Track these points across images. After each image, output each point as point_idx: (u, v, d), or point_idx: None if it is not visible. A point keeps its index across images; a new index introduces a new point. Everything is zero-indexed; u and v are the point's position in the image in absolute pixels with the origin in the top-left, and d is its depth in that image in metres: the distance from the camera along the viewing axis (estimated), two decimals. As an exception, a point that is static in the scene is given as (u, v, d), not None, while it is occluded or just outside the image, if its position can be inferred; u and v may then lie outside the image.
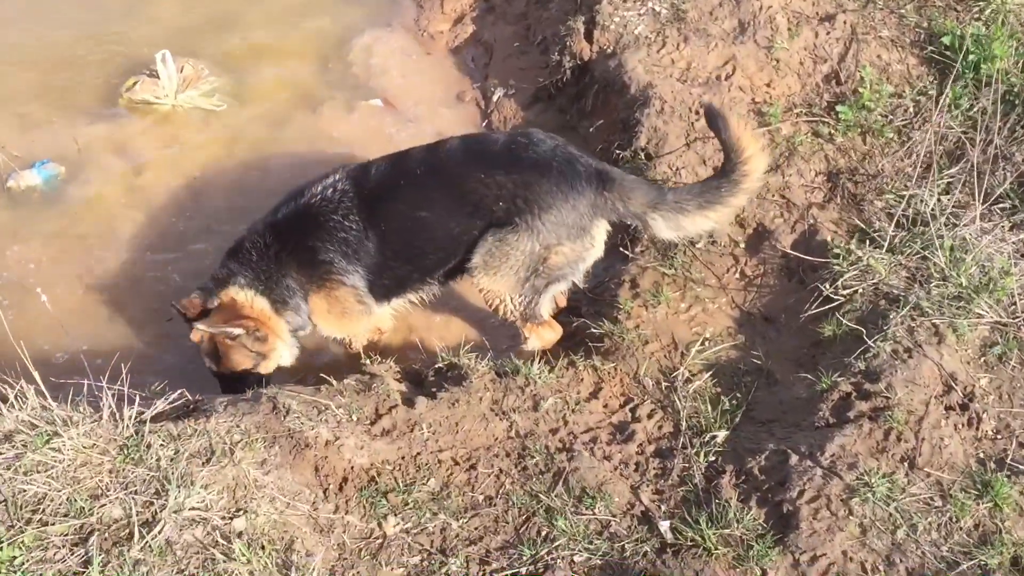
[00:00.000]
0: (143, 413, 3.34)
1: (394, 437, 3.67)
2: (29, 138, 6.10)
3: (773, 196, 4.96)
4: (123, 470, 3.09)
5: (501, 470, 3.65)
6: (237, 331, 4.10)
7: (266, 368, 4.34)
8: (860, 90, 5.19)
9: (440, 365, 4.24)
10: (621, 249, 4.99)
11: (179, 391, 3.52)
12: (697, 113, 5.17)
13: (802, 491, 3.48)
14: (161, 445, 3.16)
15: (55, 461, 3.06)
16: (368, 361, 4.30)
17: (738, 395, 4.15)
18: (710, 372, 4.30)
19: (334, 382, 3.95)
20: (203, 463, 3.17)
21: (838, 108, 5.15)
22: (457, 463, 3.66)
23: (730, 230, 4.94)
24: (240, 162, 6.00)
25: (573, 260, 4.25)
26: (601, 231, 4.26)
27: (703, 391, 4.20)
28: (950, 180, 4.94)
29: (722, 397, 4.15)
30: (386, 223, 4.14)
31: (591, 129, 5.75)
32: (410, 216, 4.15)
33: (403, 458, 3.62)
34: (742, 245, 4.91)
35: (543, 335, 4.57)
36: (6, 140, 5.87)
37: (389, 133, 6.24)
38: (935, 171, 4.92)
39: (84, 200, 5.72)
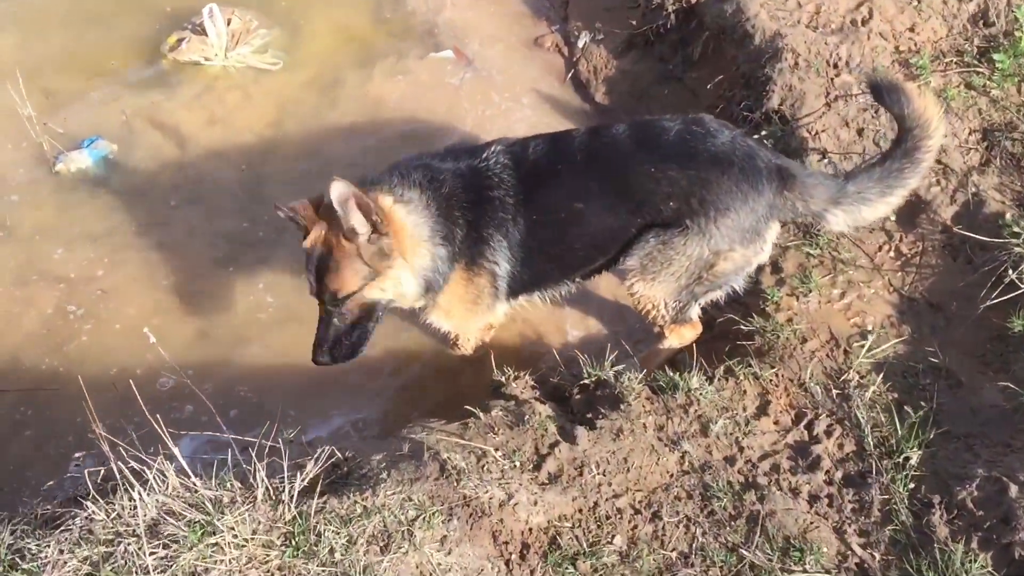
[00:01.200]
0: (293, 481, 2.89)
1: (564, 485, 3.24)
2: (67, 112, 5.48)
3: (927, 162, 4.41)
4: (294, 566, 2.66)
5: (688, 517, 3.24)
6: (363, 226, 3.38)
7: (379, 301, 3.64)
8: (1017, 32, 4.58)
9: (587, 381, 3.78)
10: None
11: (327, 449, 3.06)
12: (836, 67, 4.59)
13: (1034, 531, 3.08)
14: (333, 532, 2.72)
15: (216, 561, 2.63)
16: (502, 376, 3.85)
17: (922, 403, 3.71)
18: (881, 374, 3.85)
19: (481, 414, 3.49)
20: (380, 550, 2.75)
21: (994, 56, 4.55)
22: (638, 511, 3.25)
23: (878, 200, 4.42)
24: (303, 133, 5.42)
25: (741, 266, 3.78)
26: (773, 234, 3.77)
27: (879, 398, 3.76)
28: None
29: (904, 406, 3.71)
30: (537, 211, 3.64)
31: (702, 82, 5.15)
32: (565, 206, 3.64)
33: (580, 511, 3.20)
34: (893, 217, 4.39)
35: (684, 334, 4.12)
36: (40, 115, 5.22)
37: (465, 92, 5.61)
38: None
39: (141, 184, 5.14)
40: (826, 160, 4.49)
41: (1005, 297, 3.89)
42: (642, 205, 3.58)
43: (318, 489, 2.94)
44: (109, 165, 5.22)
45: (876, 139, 4.49)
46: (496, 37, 5.89)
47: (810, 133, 4.52)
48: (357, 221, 3.35)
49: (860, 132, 4.49)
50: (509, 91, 5.62)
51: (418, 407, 4.14)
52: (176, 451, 2.76)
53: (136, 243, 4.83)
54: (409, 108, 5.53)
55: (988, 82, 4.58)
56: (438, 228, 3.62)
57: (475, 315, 3.96)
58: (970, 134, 4.53)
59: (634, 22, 5.59)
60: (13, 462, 3.97)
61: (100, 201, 5.04)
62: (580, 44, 5.71)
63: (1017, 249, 3.97)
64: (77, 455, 3.84)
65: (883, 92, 3.60)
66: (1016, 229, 4.03)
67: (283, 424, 3.45)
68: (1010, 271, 3.93)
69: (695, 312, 3.98)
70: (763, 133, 4.48)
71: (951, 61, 4.63)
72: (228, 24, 5.78)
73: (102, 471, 2.95)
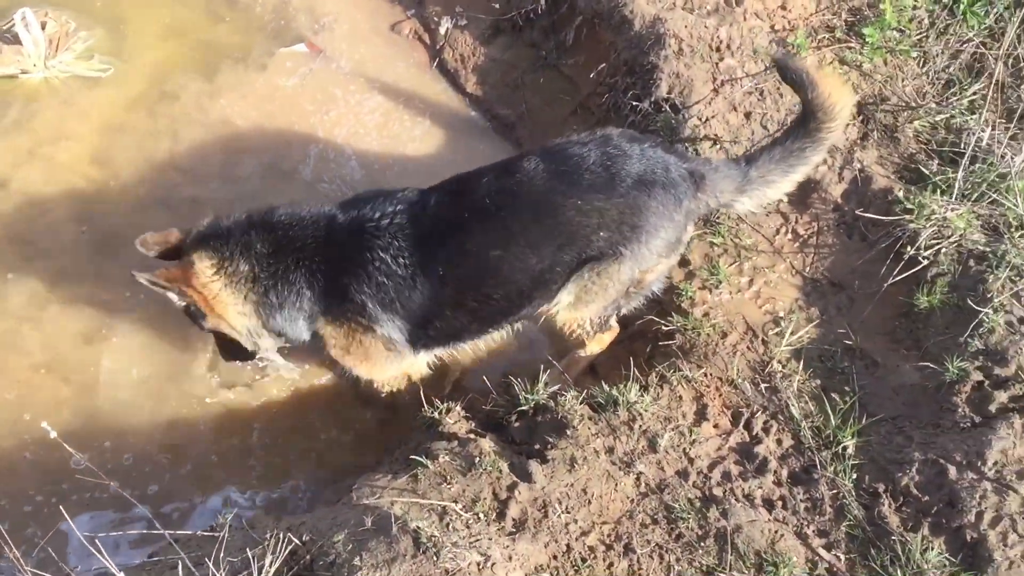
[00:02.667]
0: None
1: (532, 530, 3.12)
2: None
3: (813, 141, 4.50)
4: None
5: (659, 545, 3.20)
6: (174, 296, 3.57)
7: (239, 335, 3.70)
8: (881, 5, 4.71)
9: (525, 407, 3.64)
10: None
11: (281, 535, 2.78)
12: (719, 51, 4.58)
13: (980, 513, 3.24)
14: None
15: None
16: (434, 411, 3.66)
17: (845, 388, 3.82)
18: (801, 361, 3.94)
19: (428, 463, 3.30)
20: (369, 651, 2.53)
21: (864, 30, 4.68)
22: (610, 546, 3.18)
23: (768, 181, 4.48)
24: (143, 170, 4.85)
25: (662, 274, 3.79)
26: (689, 234, 3.76)
27: (804, 386, 3.85)
28: (972, 98, 4.66)
29: (828, 392, 3.80)
30: (445, 268, 3.41)
31: (579, 69, 5.02)
32: (477, 257, 3.42)
33: (555, 557, 3.09)
34: (786, 199, 4.46)
35: (604, 339, 4.06)
36: None
37: (321, 88, 5.23)
38: (958, 90, 4.63)
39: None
40: (718, 146, 4.48)
41: (906, 273, 4.03)
42: (571, 241, 3.41)
43: (284, 587, 2.66)
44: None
45: (763, 122, 4.53)
46: (356, 27, 5.48)
47: (700, 120, 4.49)
48: (169, 294, 3.55)
49: (748, 116, 4.51)
50: (368, 86, 5.29)
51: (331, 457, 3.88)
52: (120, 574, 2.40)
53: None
54: (272, 107, 5.09)
55: (860, 56, 4.69)
56: (267, 299, 3.51)
57: (376, 366, 3.71)
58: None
59: (497, 6, 5.36)
60: None
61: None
62: (442, 31, 5.44)
63: (911, 225, 4.11)
64: None
65: (789, 74, 3.60)
66: (908, 205, 4.17)
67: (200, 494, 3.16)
68: (908, 247, 4.07)
69: (614, 319, 3.90)
70: (658, 124, 4.40)
71: (823, 38, 4.71)
72: (44, 29, 5.09)
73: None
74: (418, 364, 3.82)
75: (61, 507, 2.51)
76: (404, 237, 3.38)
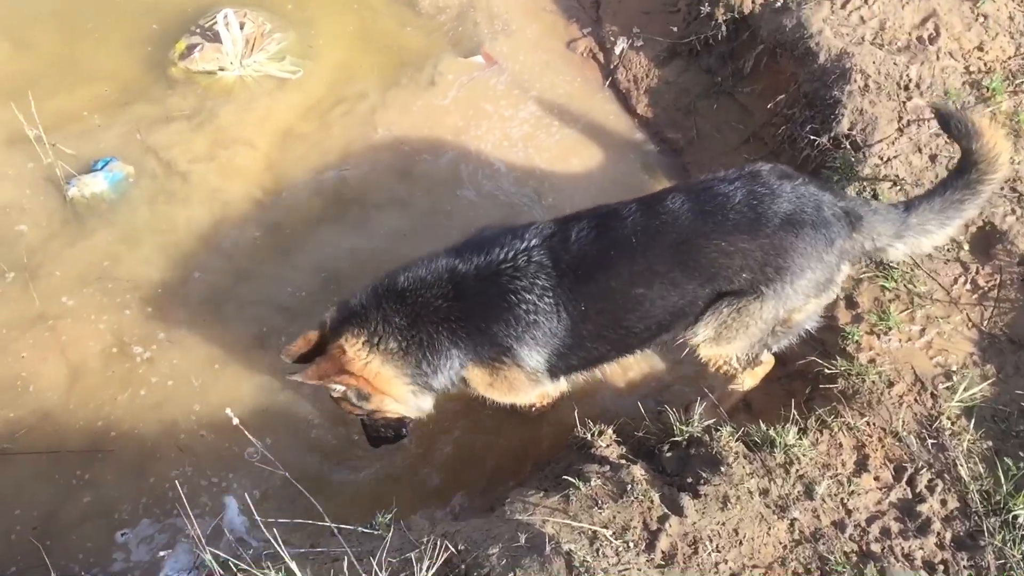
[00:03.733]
0: (410, 587, 2.69)
1: (681, 565, 3.09)
2: (70, 129, 5.05)
3: (1002, 189, 4.30)
4: None
5: (811, 596, 3.11)
6: (335, 388, 3.53)
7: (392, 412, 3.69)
8: (1088, 52, 4.45)
9: (678, 439, 3.61)
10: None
11: (438, 542, 2.86)
12: (907, 89, 4.42)
13: None
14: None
15: None
16: (587, 433, 3.67)
17: (1020, 452, 3.61)
18: (972, 419, 3.75)
19: (581, 485, 3.31)
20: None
21: (1067, 77, 4.42)
22: (760, 592, 3.11)
23: (950, 228, 4.29)
24: (337, 146, 5.09)
25: (814, 313, 3.68)
26: (844, 275, 3.64)
27: (975, 446, 3.66)
28: None
29: (1000, 455, 3.61)
30: (589, 303, 3.38)
31: (756, 98, 4.95)
32: (622, 294, 3.39)
33: (703, 596, 3.05)
34: (966, 247, 4.28)
35: (757, 374, 3.99)
36: (48, 135, 4.82)
37: (494, 103, 5.32)
38: None
39: (163, 210, 4.78)
40: (898, 187, 4.33)
41: (1096, 339, 3.79)
42: (713, 279, 3.37)
43: (439, 593, 2.73)
44: (127, 188, 4.84)
45: (949, 166, 4.34)
46: (531, 43, 5.57)
47: (882, 159, 4.36)
48: (329, 385, 3.49)
49: (933, 159, 4.34)
50: (540, 102, 5.35)
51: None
52: (293, 565, 2.52)
53: (169, 276, 4.49)
54: (446, 115, 5.23)
55: (1060, 104, 4.44)
56: (421, 369, 3.50)
57: (519, 394, 3.71)
58: (1042, 158, 4.39)
59: (675, 29, 5.33)
60: (65, 530, 3.71)
61: (124, 231, 4.67)
62: (617, 51, 5.46)
63: (1104, 286, 3.87)
64: (120, 532, 3.66)
65: (951, 123, 3.49)
66: (1103, 266, 3.92)
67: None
68: (1100, 311, 3.82)
69: (767, 354, 3.83)
70: (837, 162, 4.29)
71: (1021, 83, 4.48)
72: (242, 29, 5.39)
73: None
74: (556, 388, 3.82)
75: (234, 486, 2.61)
76: (546, 275, 3.36)
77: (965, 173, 3.48)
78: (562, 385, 3.83)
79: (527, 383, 3.58)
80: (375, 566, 2.62)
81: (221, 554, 2.60)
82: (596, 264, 3.36)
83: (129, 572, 3.60)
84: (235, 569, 2.60)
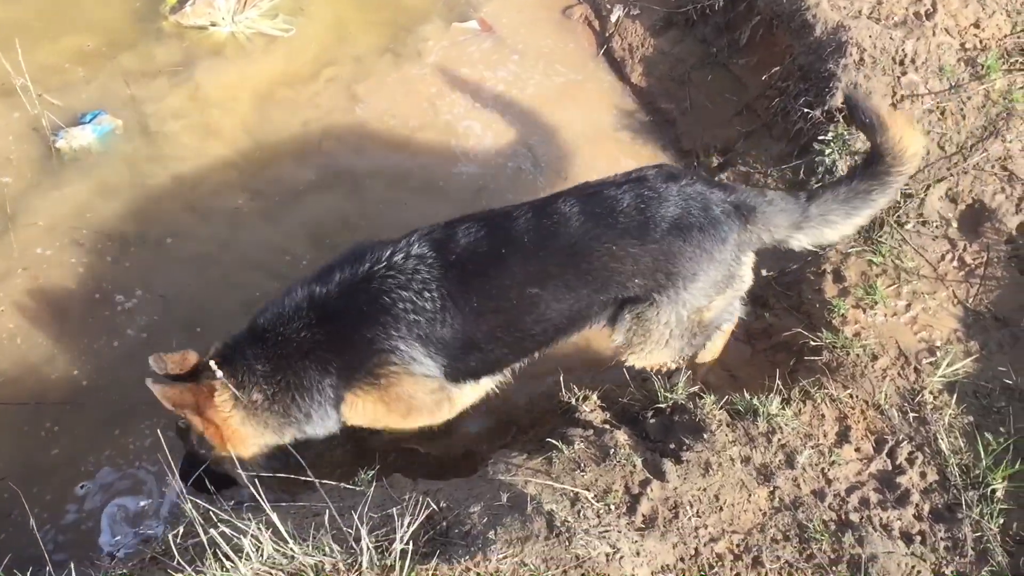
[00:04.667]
0: (393, 541, 2.69)
1: (662, 529, 3.10)
2: (58, 80, 4.98)
3: (992, 168, 4.30)
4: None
5: (788, 563, 3.14)
6: (180, 421, 3.32)
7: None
8: (1083, 32, 4.45)
9: (662, 405, 3.62)
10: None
11: (419, 499, 2.86)
12: (902, 64, 4.41)
13: None
14: (448, 607, 2.55)
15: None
16: (571, 398, 3.68)
17: (1000, 428, 3.64)
18: (954, 394, 3.77)
19: (564, 448, 3.32)
20: (499, 625, 2.58)
21: (1062, 57, 4.42)
22: (738, 556, 3.13)
23: (939, 205, 4.31)
24: (326, 107, 5.04)
25: (727, 306, 3.64)
26: (749, 264, 3.55)
27: (956, 421, 3.69)
28: None
29: (981, 430, 3.63)
30: (480, 300, 3.25)
31: (750, 70, 4.93)
32: (517, 294, 3.26)
33: (682, 559, 3.07)
34: (955, 224, 4.28)
35: (713, 349, 4.02)
36: (35, 86, 4.74)
37: (490, 69, 5.28)
38: None
39: (156, 165, 4.73)
40: (889, 163, 4.33)
41: (1080, 318, 3.81)
42: (607, 285, 3.31)
43: (420, 548, 2.74)
44: (114, 141, 4.78)
45: (941, 142, 4.35)
46: (527, 9, 5.52)
47: (875, 134, 4.33)
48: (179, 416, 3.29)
49: (927, 134, 4.33)
50: (532, 67, 5.31)
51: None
52: (274, 517, 2.52)
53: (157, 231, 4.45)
54: (439, 77, 5.18)
55: (1053, 84, 4.44)
56: (294, 409, 3.27)
57: (425, 415, 3.50)
58: (1033, 138, 4.39)
59: (673, -1, 5.30)
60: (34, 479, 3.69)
61: (111, 183, 4.62)
62: (613, 18, 5.42)
63: (1090, 266, 3.88)
64: (80, 485, 3.68)
65: (858, 113, 3.41)
66: (1090, 246, 3.93)
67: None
68: (1086, 290, 3.84)
69: (711, 340, 3.84)
70: (829, 136, 4.28)
71: (1016, 61, 4.47)
72: (234, -16, 5.33)
73: (180, 530, 2.71)
74: (470, 394, 3.63)
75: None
76: (428, 268, 3.23)
77: (873, 164, 3.40)
78: (473, 392, 3.63)
79: (426, 393, 3.36)
80: (356, 520, 2.61)
81: (201, 503, 2.59)
82: (488, 261, 3.25)
83: (81, 523, 3.58)
84: (215, 519, 2.59)
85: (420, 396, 3.34)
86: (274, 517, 2.53)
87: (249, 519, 2.61)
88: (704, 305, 3.45)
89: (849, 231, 3.55)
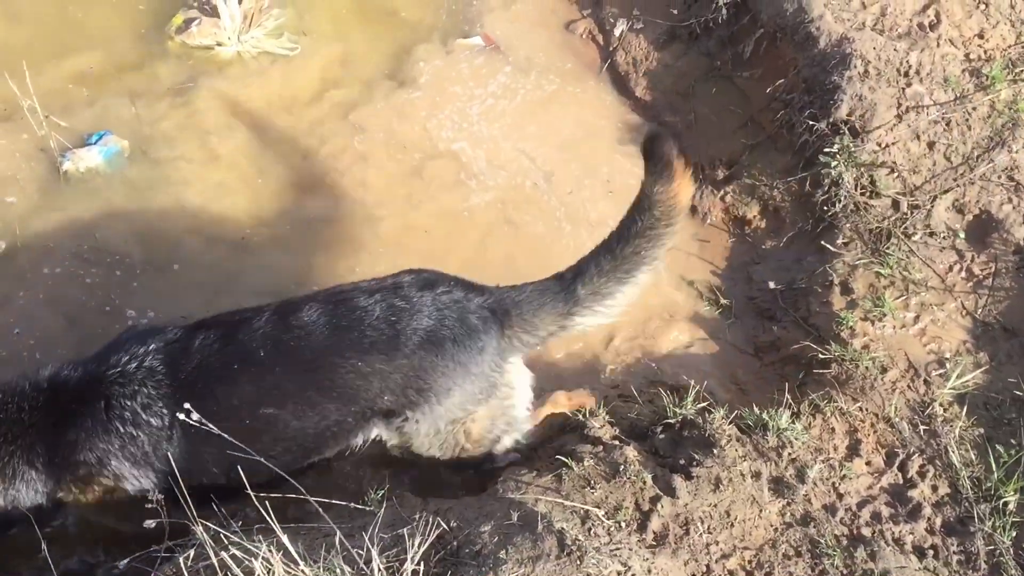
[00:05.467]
0: (405, 563, 2.69)
1: (673, 546, 3.09)
2: (64, 101, 4.99)
3: (998, 178, 4.30)
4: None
5: (801, 579, 3.11)
6: None
7: None
8: (1088, 41, 4.45)
9: (671, 421, 3.61)
10: (821, 242, 4.33)
11: (430, 519, 2.85)
12: (907, 76, 4.41)
13: None
14: (461, 629, 2.54)
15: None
16: (580, 416, 3.68)
17: (1011, 440, 3.63)
18: (964, 407, 3.76)
19: (573, 465, 3.32)
20: (510, 646, 2.57)
21: (1067, 66, 4.42)
22: (750, 573, 3.13)
23: (946, 216, 4.31)
24: (336, 125, 5.05)
25: (499, 416, 3.37)
26: (516, 371, 3.36)
27: (967, 433, 3.68)
28: None
29: (992, 443, 3.62)
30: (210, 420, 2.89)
31: (755, 83, 4.94)
32: (249, 414, 3.02)
33: (694, 576, 3.05)
34: (962, 235, 4.28)
35: (536, 418, 3.75)
36: (36, 105, 4.72)
37: (493, 80, 5.29)
38: None
39: (162, 188, 4.73)
40: (895, 174, 4.33)
41: (1090, 328, 3.80)
42: (354, 400, 3.07)
43: (432, 569, 2.74)
44: (123, 163, 4.79)
45: (947, 153, 4.34)
46: (530, 24, 5.54)
47: (880, 146, 4.35)
48: None
49: (931, 146, 4.34)
50: (537, 82, 5.33)
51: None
52: (285, 539, 2.52)
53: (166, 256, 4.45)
54: (442, 97, 5.20)
55: (1059, 93, 4.43)
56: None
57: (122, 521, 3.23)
58: (1039, 148, 4.39)
59: (676, 11, 5.31)
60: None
61: (121, 208, 4.63)
62: (617, 32, 5.44)
63: (1098, 276, 3.87)
64: None
65: (653, 153, 3.11)
66: (1097, 255, 3.92)
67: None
68: (1094, 300, 3.83)
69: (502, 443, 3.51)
70: (835, 148, 4.28)
71: (1021, 71, 4.47)
72: (240, 3, 5.35)
73: (191, 553, 2.71)
74: None
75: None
76: (155, 385, 3.00)
77: (638, 219, 3.14)
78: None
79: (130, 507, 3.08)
80: (367, 541, 2.61)
81: (211, 526, 2.59)
82: (218, 378, 3.01)
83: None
84: (226, 541, 2.59)
85: (123, 507, 3.11)
86: (285, 539, 2.52)
87: (260, 541, 2.60)
88: (462, 418, 3.25)
89: (636, 292, 3.30)
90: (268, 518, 2.54)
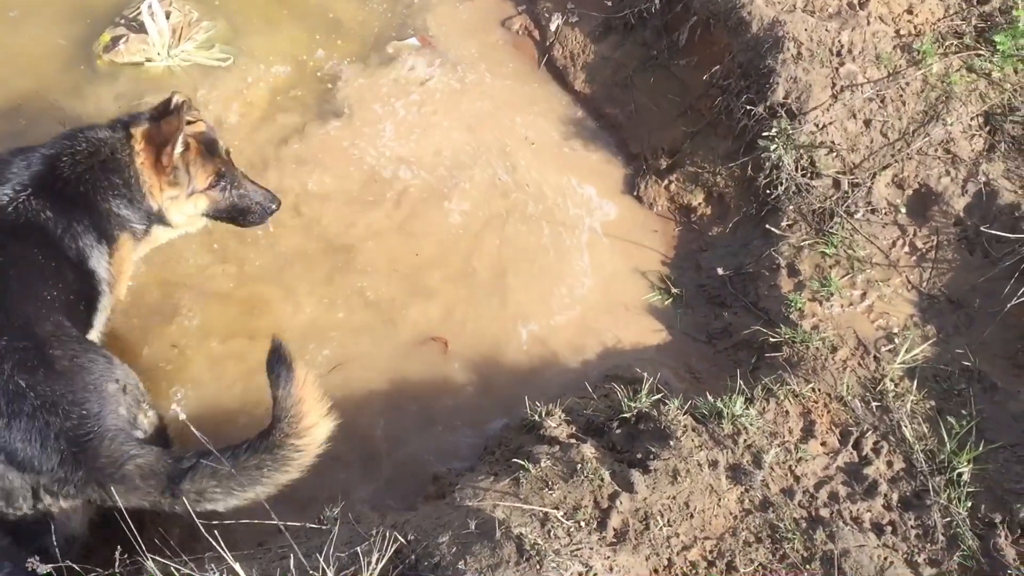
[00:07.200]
0: (360, 583, 2.65)
1: (633, 542, 3.08)
2: (2, 128, 4.87)
3: (935, 151, 4.34)
4: None
5: (763, 565, 3.13)
6: None
7: None
8: (1015, 11, 4.50)
9: (627, 415, 3.61)
10: (766, 226, 4.36)
11: (387, 533, 2.82)
12: (839, 56, 4.43)
13: (1106, 551, 3.07)
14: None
15: None
16: (535, 415, 3.65)
17: (962, 411, 3.67)
18: (914, 380, 3.80)
19: (530, 467, 3.29)
20: (472, 656, 2.54)
21: (995, 37, 4.47)
22: (712, 563, 3.12)
23: (886, 192, 4.35)
24: (273, 135, 4.97)
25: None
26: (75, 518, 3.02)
27: (918, 407, 3.71)
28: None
29: (943, 415, 3.66)
30: None
31: (692, 70, 4.94)
32: None
33: (656, 571, 3.06)
34: (903, 210, 4.32)
35: None
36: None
37: (430, 83, 5.24)
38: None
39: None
40: (834, 154, 4.36)
41: (1032, 295, 3.85)
42: None
43: (389, 585, 2.70)
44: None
45: (884, 130, 4.38)
46: (466, 23, 5.50)
47: (817, 127, 4.38)
48: None
49: (867, 123, 4.37)
50: (476, 82, 5.29)
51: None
52: (236, 567, 2.47)
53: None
54: (381, 102, 5.15)
55: (989, 64, 4.48)
56: None
57: None
58: (972, 119, 4.44)
59: (610, 3, 5.30)
60: None
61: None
62: (553, 27, 5.41)
63: (1037, 243, 3.93)
64: None
65: (275, 363, 2.96)
66: (1035, 222, 3.98)
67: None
68: (1035, 267, 3.88)
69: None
70: (773, 131, 4.30)
71: (951, 44, 4.51)
72: (168, 18, 5.24)
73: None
74: None
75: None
76: None
77: (268, 433, 2.92)
78: None
79: None
80: (322, 562, 2.57)
81: (159, 559, 2.53)
82: None
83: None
84: (176, 574, 2.53)
85: None
86: (237, 567, 2.47)
87: (212, 569, 2.55)
88: None
89: (243, 504, 2.94)
90: (217, 546, 2.48)
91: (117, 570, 2.71)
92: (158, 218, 3.76)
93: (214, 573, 2.51)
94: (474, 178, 4.84)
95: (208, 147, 3.75)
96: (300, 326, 4.25)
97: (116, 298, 3.76)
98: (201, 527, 2.54)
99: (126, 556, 2.68)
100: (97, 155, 3.59)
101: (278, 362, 2.91)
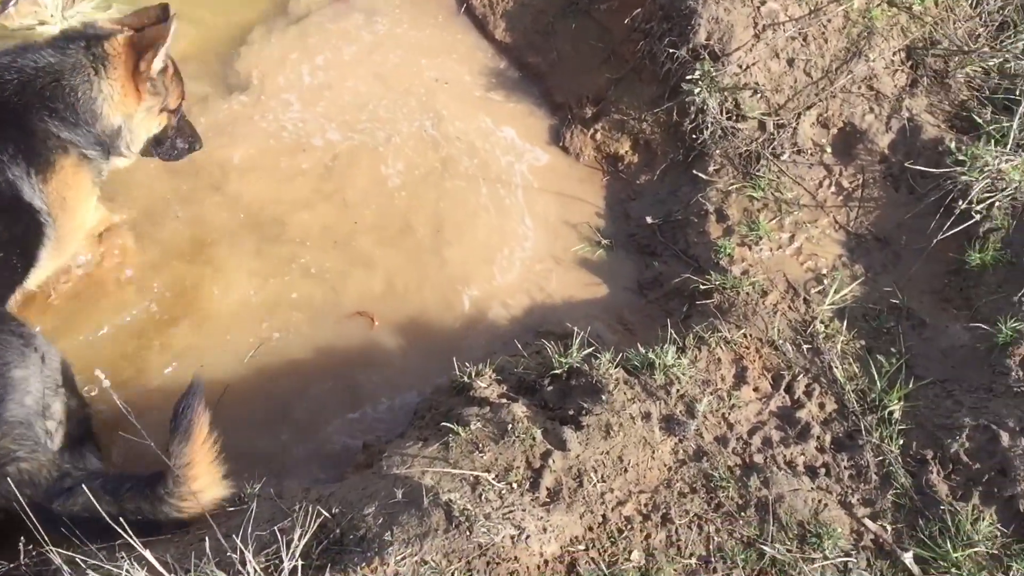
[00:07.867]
0: (283, 559, 2.55)
1: (567, 501, 3.02)
2: None
3: (859, 88, 4.30)
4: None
5: (698, 516, 3.10)
6: None
7: None
8: (932, -57, 4.45)
9: (558, 371, 3.53)
10: (693, 171, 4.29)
11: (310, 508, 2.71)
12: (760, -7, 4.34)
13: (1034, 482, 3.10)
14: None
15: None
16: (463, 376, 3.56)
17: (891, 349, 3.67)
18: (844, 320, 3.79)
19: (460, 430, 3.20)
20: (402, 630, 2.46)
21: (915, -30, 4.42)
22: (647, 516, 3.08)
23: (812, 132, 4.30)
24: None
25: None
26: None
27: (848, 347, 3.71)
28: (1030, 40, 4.41)
29: (874, 353, 3.66)
30: None
31: (613, 15, 4.81)
32: None
33: (591, 528, 3.00)
34: (829, 150, 4.29)
35: None
36: None
37: (344, 35, 5.05)
38: (1012, 33, 4.39)
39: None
40: (759, 95, 4.29)
41: (957, 228, 3.84)
42: None
43: (314, 561, 2.60)
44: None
45: (807, 68, 4.32)
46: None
47: (741, 68, 4.30)
48: None
49: (791, 63, 4.31)
50: (393, 34, 5.11)
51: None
52: (147, 554, 2.34)
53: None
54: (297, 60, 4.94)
55: (910, -3, 4.44)
56: None
57: None
58: (895, 54, 4.41)
59: (528, -54, 5.13)
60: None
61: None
62: (469, -27, 5.22)
63: (963, 177, 3.92)
64: None
65: (180, 407, 2.82)
66: (960, 156, 3.96)
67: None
68: (960, 201, 3.88)
69: None
70: (696, 75, 4.21)
71: (871, -22, 4.45)
72: (61, -22, 4.95)
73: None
74: None
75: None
76: None
77: (155, 484, 2.78)
78: None
79: None
80: (238, 542, 2.45)
81: (65, 552, 2.39)
82: None
83: None
84: (84, 566, 2.40)
85: None
86: (147, 553, 2.34)
87: (123, 558, 2.41)
88: None
89: None
90: (125, 534, 2.35)
91: (23, 561, 2.58)
92: (111, 141, 3.58)
93: (125, 562, 2.37)
94: (401, 132, 4.69)
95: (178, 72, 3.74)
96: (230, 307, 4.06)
97: (73, 238, 3.56)
98: (105, 514, 2.40)
99: (31, 547, 2.54)
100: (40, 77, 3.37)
101: (185, 410, 2.77)
